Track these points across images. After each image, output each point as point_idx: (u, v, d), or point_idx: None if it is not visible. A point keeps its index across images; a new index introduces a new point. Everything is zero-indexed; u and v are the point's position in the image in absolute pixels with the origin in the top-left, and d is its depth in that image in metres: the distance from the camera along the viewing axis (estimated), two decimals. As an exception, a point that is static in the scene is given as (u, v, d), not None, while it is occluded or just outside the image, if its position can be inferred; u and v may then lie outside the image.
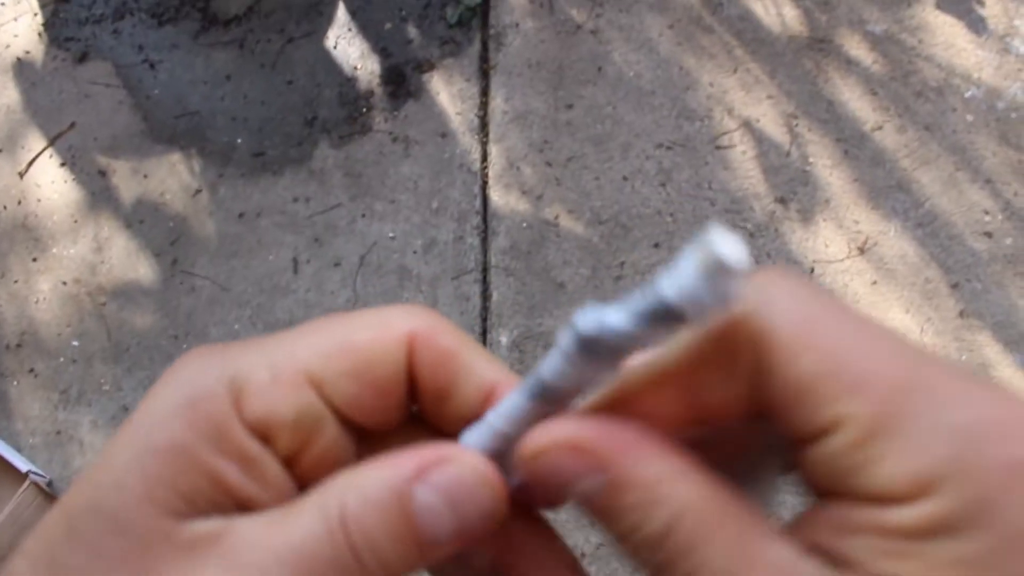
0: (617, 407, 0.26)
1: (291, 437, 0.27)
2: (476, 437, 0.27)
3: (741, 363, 0.24)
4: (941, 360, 0.23)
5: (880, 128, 2.14)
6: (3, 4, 2.71)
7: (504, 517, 0.27)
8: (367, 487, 0.25)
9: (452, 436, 0.28)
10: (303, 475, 0.27)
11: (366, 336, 0.28)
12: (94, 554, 0.24)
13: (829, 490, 0.23)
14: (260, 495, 0.26)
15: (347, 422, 0.28)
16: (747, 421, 0.26)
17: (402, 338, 0.28)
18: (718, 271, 0.21)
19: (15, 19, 2.67)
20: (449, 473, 0.26)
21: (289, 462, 0.27)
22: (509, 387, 0.28)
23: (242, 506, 0.26)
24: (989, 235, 2.00)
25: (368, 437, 0.29)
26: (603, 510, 0.25)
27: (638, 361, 0.26)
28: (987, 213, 2.02)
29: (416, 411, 0.30)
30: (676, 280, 0.21)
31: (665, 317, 0.22)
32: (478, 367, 0.29)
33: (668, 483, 0.24)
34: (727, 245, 0.21)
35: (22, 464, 1.98)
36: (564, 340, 0.24)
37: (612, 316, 0.23)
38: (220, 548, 0.24)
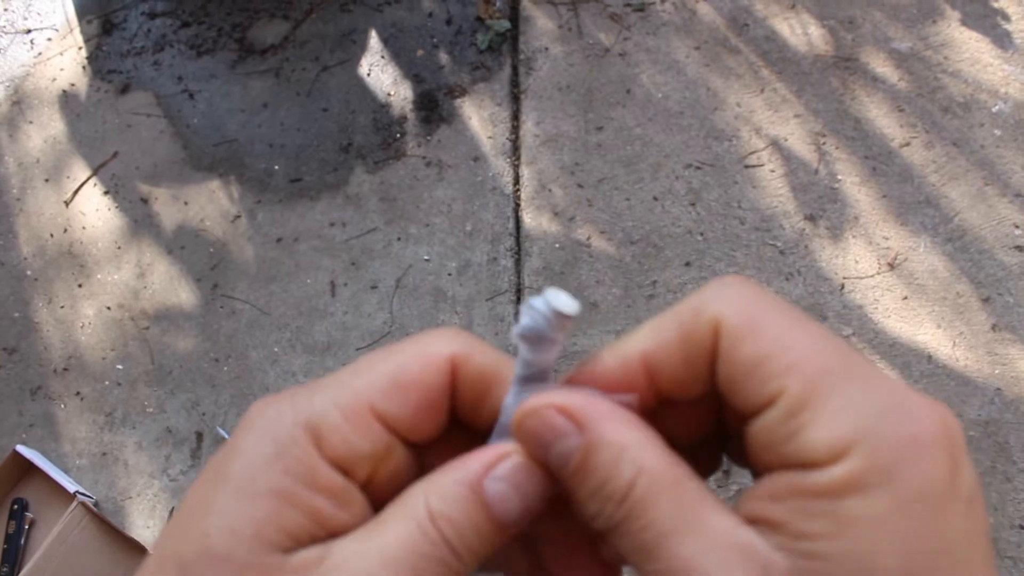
0: (592, 383, 0.32)
1: (367, 467, 0.31)
2: (501, 435, 0.33)
3: (697, 347, 0.29)
4: (859, 354, 0.28)
5: (908, 144, 2.16)
6: (49, 40, 2.80)
7: (552, 494, 0.31)
8: (445, 488, 0.30)
9: (484, 433, 0.33)
10: (376, 495, 0.31)
11: (416, 369, 0.32)
12: None
13: (765, 462, 0.28)
14: (349, 521, 0.30)
15: (407, 442, 0.32)
16: (698, 403, 0.32)
17: (445, 365, 0.32)
18: (552, 315, 0.30)
19: (61, 54, 2.76)
20: (509, 464, 0.30)
21: (365, 487, 0.31)
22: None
23: (334, 534, 0.29)
24: (1019, 248, 2.00)
25: (420, 448, 0.34)
26: (576, 468, 0.29)
27: (609, 346, 0.32)
28: (1017, 227, 2.02)
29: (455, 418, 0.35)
30: (524, 320, 0.31)
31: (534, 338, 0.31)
32: (509, 376, 0.33)
33: (634, 448, 0.28)
34: (558, 298, 0.30)
35: (70, 485, 2.02)
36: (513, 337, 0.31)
37: (519, 325, 0.31)
38: (325, 566, 0.28)
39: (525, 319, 0.31)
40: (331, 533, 0.29)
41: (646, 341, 0.31)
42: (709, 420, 0.33)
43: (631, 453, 0.28)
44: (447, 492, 0.30)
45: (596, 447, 0.29)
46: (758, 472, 0.29)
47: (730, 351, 0.28)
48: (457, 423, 0.34)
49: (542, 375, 0.32)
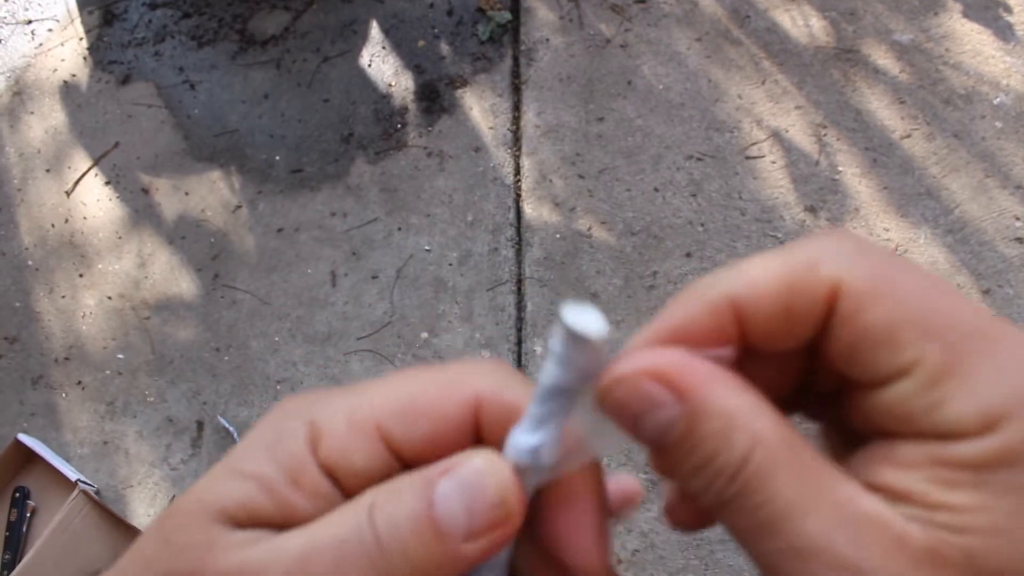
0: (677, 336, 0.28)
1: (358, 482, 0.29)
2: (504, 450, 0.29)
3: (807, 303, 0.26)
4: (1002, 317, 0.26)
5: (909, 136, 2.16)
6: (50, 30, 2.80)
7: (515, 524, 0.27)
8: (397, 484, 0.28)
9: None
10: None
11: (435, 396, 0.29)
12: (165, 542, 0.28)
13: (890, 431, 0.25)
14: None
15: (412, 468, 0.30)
16: (786, 357, 0.29)
17: (469, 400, 0.29)
18: (580, 346, 0.26)
19: (62, 44, 2.76)
20: (467, 466, 0.27)
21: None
22: None
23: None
24: (1020, 240, 2.00)
25: None
26: (678, 441, 0.26)
27: (694, 286, 0.28)
28: (1018, 219, 2.02)
29: None
30: (549, 368, 0.27)
31: (562, 392, 0.27)
32: None
33: (746, 415, 0.26)
34: (582, 320, 0.26)
35: (71, 473, 2.03)
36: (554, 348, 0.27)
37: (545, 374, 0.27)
38: (272, 541, 0.27)
39: (548, 377, 0.27)
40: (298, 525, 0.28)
41: (740, 284, 0.28)
42: (794, 376, 0.30)
43: (743, 422, 0.25)
44: (398, 486, 0.28)
45: (701, 417, 0.26)
46: (870, 435, 0.27)
47: (854, 315, 0.26)
48: None
49: (566, 396, 0.28)
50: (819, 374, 0.30)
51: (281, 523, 0.28)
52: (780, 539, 0.24)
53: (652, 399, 0.26)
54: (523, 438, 0.28)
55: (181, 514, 0.28)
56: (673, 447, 0.27)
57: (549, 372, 0.27)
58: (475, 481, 0.27)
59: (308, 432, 0.29)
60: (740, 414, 0.26)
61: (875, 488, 0.25)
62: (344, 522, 0.27)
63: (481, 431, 0.29)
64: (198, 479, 0.29)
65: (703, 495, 0.27)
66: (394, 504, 0.27)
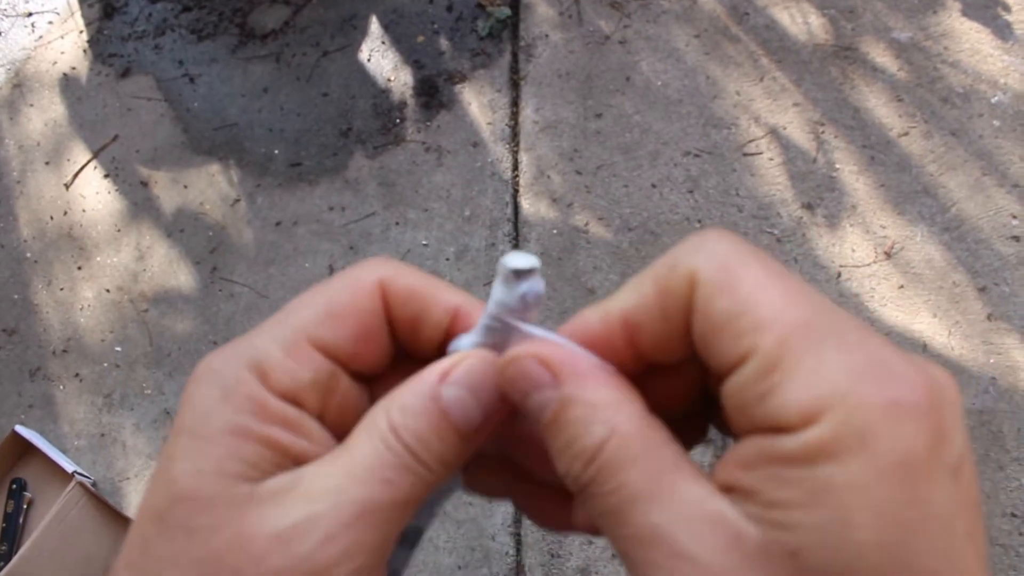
0: (578, 340, 0.31)
1: (315, 396, 0.31)
2: (465, 344, 0.33)
3: (674, 301, 0.28)
4: (843, 312, 0.26)
5: (906, 134, 2.16)
6: (50, 23, 2.80)
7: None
8: (405, 401, 0.31)
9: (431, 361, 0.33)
10: (334, 428, 0.32)
11: (346, 295, 0.32)
12: (188, 533, 0.27)
13: (739, 427, 0.26)
14: (311, 449, 0.30)
15: (353, 373, 0.33)
16: (683, 369, 0.31)
17: (373, 287, 0.33)
18: (515, 277, 0.31)
19: (62, 37, 2.76)
20: (463, 368, 0.31)
21: (321, 419, 0.32)
22: (470, 308, 0.34)
23: (300, 462, 0.30)
24: (1016, 238, 2.01)
25: (371, 382, 0.35)
26: (550, 422, 0.29)
27: (592, 306, 0.31)
28: (1014, 217, 2.03)
29: (401, 350, 0.35)
30: (492, 299, 0.32)
31: (499, 322, 0.32)
32: (441, 295, 0.34)
33: (608, 407, 0.28)
34: (517, 259, 0.31)
35: (68, 465, 2.03)
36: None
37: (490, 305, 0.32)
38: (298, 489, 0.28)
39: (490, 305, 0.32)
40: (296, 462, 0.30)
41: (626, 300, 0.30)
42: (694, 388, 0.32)
43: (605, 413, 0.28)
44: (406, 404, 0.30)
45: (570, 402, 0.28)
46: (734, 435, 0.28)
47: (704, 305, 0.27)
48: (404, 356, 0.35)
49: (506, 328, 0.32)
50: (710, 383, 0.32)
51: (278, 462, 0.29)
52: (626, 526, 0.26)
53: (536, 379, 0.29)
54: (468, 340, 0.33)
55: (182, 500, 0.28)
56: (545, 426, 0.29)
57: (493, 300, 0.32)
58: (480, 382, 0.31)
59: (254, 372, 0.30)
60: (603, 405, 0.28)
61: (729, 488, 0.26)
62: (370, 444, 0.30)
63: (390, 314, 0.33)
64: (159, 469, 0.29)
65: (566, 477, 0.29)
66: (414, 420, 0.30)
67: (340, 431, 0.32)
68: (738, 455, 0.26)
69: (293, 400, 0.30)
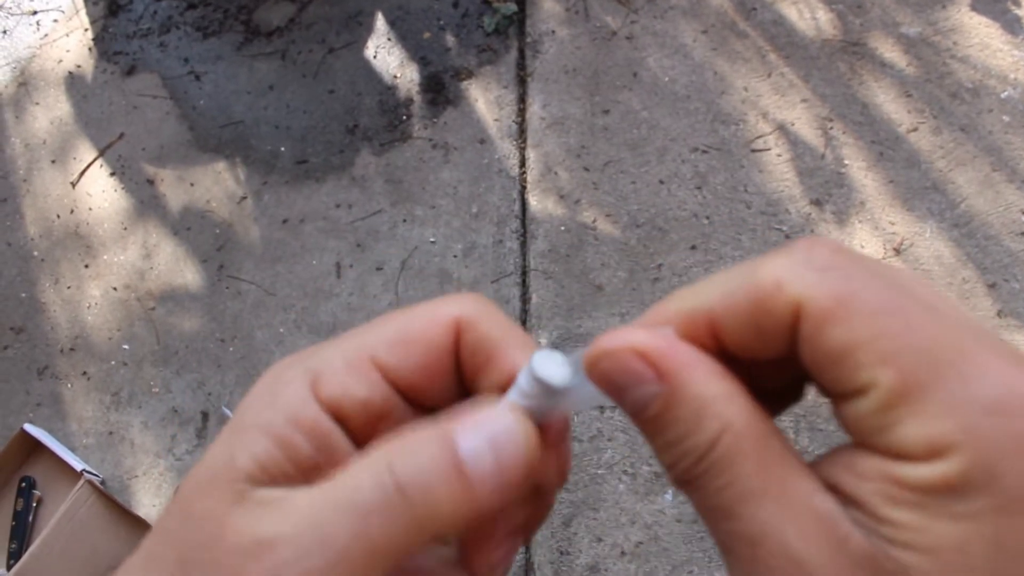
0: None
1: (363, 416, 0.30)
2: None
3: (773, 323, 0.26)
4: (973, 328, 0.25)
5: (915, 130, 2.15)
6: (55, 21, 2.80)
7: (535, 466, 0.29)
8: (413, 440, 0.28)
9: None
10: None
11: (422, 325, 0.31)
12: (185, 517, 0.28)
13: (855, 438, 0.26)
14: (325, 468, 0.29)
15: (411, 402, 0.32)
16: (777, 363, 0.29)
17: (450, 323, 0.32)
18: (546, 390, 0.29)
19: (67, 35, 2.76)
20: (490, 421, 0.29)
21: (365, 443, 0.30)
22: None
23: (311, 480, 0.28)
24: (1027, 235, 2.00)
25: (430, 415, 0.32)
26: (653, 418, 0.28)
27: (675, 296, 0.29)
28: (1024, 213, 2.02)
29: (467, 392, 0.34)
30: (520, 389, 0.29)
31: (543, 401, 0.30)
32: (512, 353, 0.32)
33: (720, 402, 0.27)
34: (549, 367, 0.29)
35: (77, 463, 2.03)
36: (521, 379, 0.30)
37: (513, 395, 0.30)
38: (282, 505, 0.27)
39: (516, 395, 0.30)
40: (307, 478, 0.28)
41: (714, 300, 0.28)
42: (790, 371, 0.30)
43: (716, 408, 0.27)
44: (415, 443, 0.28)
45: (677, 398, 0.27)
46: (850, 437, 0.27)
47: (814, 337, 0.26)
48: (469, 396, 0.34)
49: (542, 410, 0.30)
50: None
51: (287, 470, 0.28)
52: (735, 522, 0.26)
53: (636, 374, 0.28)
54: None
55: (198, 483, 0.29)
56: (649, 422, 0.28)
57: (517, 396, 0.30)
58: (501, 432, 0.28)
59: (308, 378, 0.30)
60: (714, 400, 0.27)
61: (834, 489, 0.25)
62: (361, 477, 0.27)
63: (460, 354, 0.32)
64: (213, 446, 0.30)
65: (671, 469, 0.28)
66: (416, 457, 0.27)
67: None
68: (850, 462, 0.25)
69: (337, 414, 0.30)
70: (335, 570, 0.26)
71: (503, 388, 0.31)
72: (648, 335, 0.28)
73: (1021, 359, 0.24)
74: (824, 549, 0.24)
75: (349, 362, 0.30)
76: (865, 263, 0.26)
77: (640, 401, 0.28)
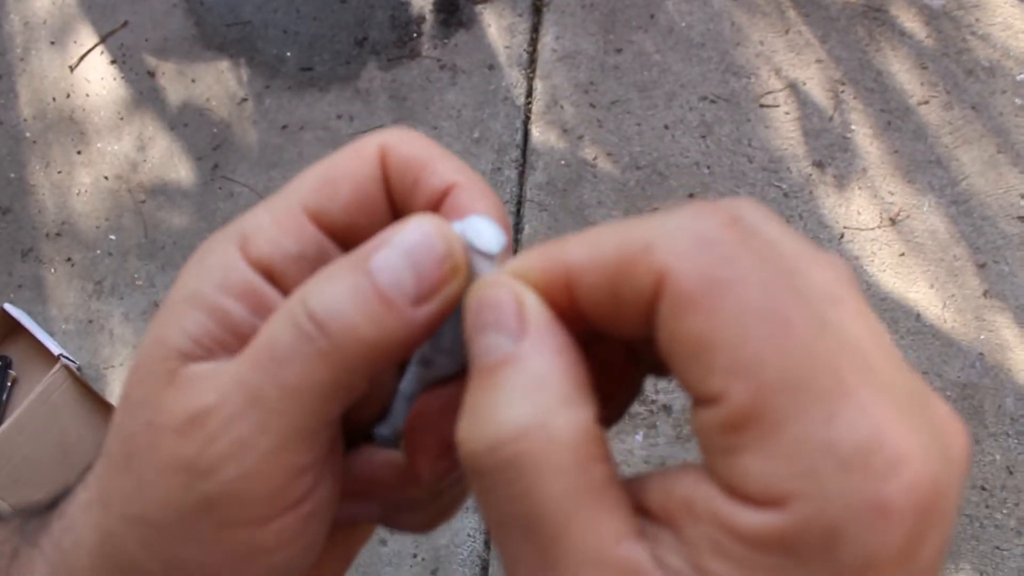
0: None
1: (298, 270, 0.27)
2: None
3: (631, 292, 0.23)
4: (868, 355, 0.21)
5: (926, 103, 2.14)
6: None
7: (463, 277, 0.26)
8: (325, 273, 0.26)
9: None
10: None
11: (344, 161, 0.29)
12: (125, 405, 0.27)
13: (703, 457, 0.22)
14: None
15: (350, 248, 0.28)
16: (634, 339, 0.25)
17: (374, 154, 0.29)
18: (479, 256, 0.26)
19: (76, -88, 2.68)
20: (404, 233, 0.25)
21: None
22: (467, 185, 0.29)
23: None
24: (1022, 219, 2.00)
25: None
26: (485, 372, 0.24)
27: (546, 243, 0.25)
28: (1023, 197, 2.02)
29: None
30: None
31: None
32: (439, 167, 0.29)
33: (552, 388, 0.23)
34: (486, 234, 0.26)
35: (54, 347, 2.03)
36: None
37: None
38: (213, 376, 0.26)
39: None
40: (244, 342, 0.26)
41: (579, 252, 0.24)
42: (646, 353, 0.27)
43: (545, 396, 0.23)
44: (327, 272, 0.26)
45: (519, 363, 0.23)
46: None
47: (670, 321, 0.21)
48: None
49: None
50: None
51: (223, 339, 0.26)
52: (524, 545, 0.22)
53: (502, 319, 0.24)
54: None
55: (135, 370, 0.27)
56: (476, 371, 0.24)
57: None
58: (417, 240, 0.25)
59: (235, 242, 0.27)
60: (550, 385, 0.23)
61: (667, 521, 0.22)
62: (277, 325, 0.25)
63: (389, 183, 0.29)
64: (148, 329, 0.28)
65: (461, 445, 0.24)
66: (328, 287, 0.25)
67: None
68: (691, 492, 0.21)
69: (270, 273, 0.27)
70: (269, 428, 0.25)
71: (433, 206, 0.29)
72: (525, 291, 0.25)
73: (912, 402, 0.20)
74: None
75: (276, 217, 0.28)
76: (764, 245, 0.22)
77: (486, 348, 0.24)
